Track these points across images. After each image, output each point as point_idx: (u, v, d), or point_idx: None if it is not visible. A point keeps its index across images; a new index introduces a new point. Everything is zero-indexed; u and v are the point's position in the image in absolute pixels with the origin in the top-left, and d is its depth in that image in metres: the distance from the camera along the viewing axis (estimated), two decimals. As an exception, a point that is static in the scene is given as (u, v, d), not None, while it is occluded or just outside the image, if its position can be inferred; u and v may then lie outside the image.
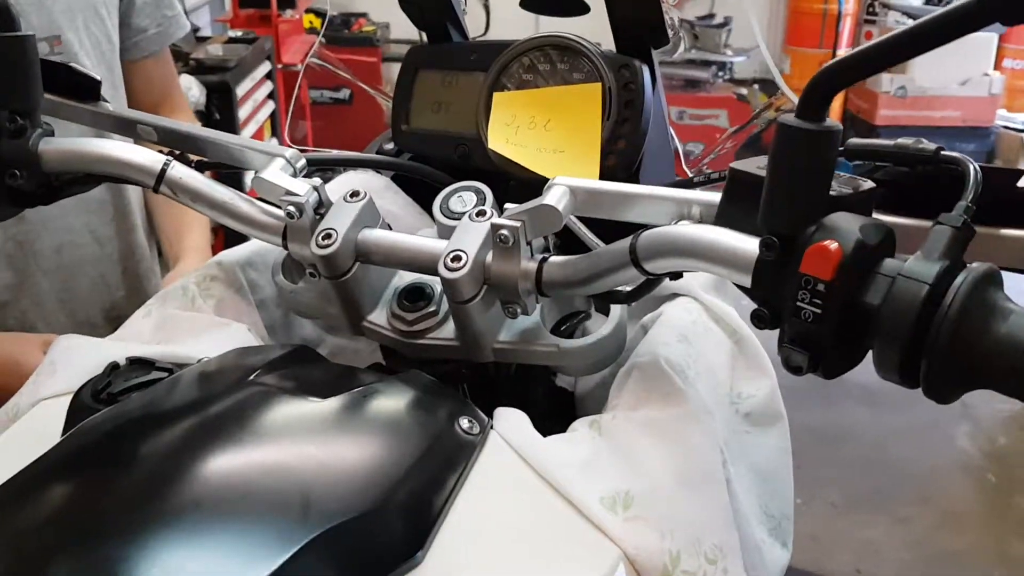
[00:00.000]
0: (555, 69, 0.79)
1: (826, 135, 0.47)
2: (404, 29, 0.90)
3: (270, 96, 3.46)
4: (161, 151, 0.73)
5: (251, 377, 0.58)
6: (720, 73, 4.93)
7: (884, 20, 4.93)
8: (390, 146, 0.88)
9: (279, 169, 0.69)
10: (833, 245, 0.45)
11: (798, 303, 0.46)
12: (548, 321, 0.68)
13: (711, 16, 4.93)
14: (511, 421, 0.59)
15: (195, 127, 0.76)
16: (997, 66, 4.91)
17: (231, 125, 2.95)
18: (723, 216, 0.55)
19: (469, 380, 0.70)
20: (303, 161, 0.70)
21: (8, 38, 0.68)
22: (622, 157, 0.77)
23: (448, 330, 0.67)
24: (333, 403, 0.56)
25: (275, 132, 3.50)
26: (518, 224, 0.60)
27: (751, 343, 0.70)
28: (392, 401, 0.58)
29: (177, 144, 0.75)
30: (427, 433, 0.55)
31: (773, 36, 5.40)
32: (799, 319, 0.46)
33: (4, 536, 0.46)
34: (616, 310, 0.65)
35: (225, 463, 0.50)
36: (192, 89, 2.83)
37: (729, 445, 0.63)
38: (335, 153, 0.77)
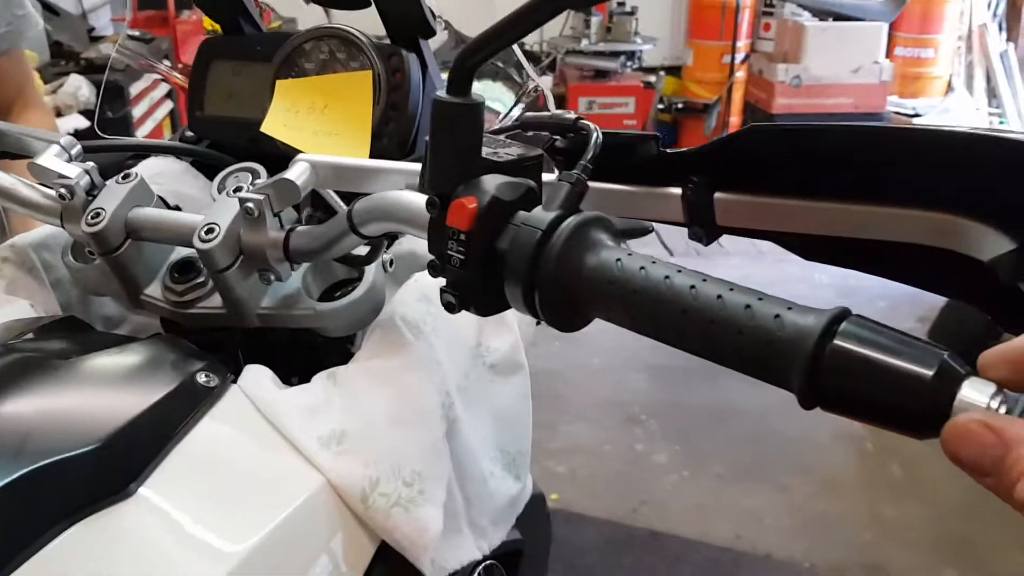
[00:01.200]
0: (334, 58, 0.86)
1: (472, 108, 0.54)
2: (310, 22, 0.95)
3: (168, 96, 3.46)
4: None
5: (8, 344, 0.64)
6: (629, 62, 5.05)
7: (781, 12, 5.09)
8: (192, 133, 0.94)
9: (54, 155, 0.74)
10: (472, 202, 0.52)
11: (448, 251, 0.53)
12: (315, 289, 0.75)
13: (623, 3, 5.05)
14: (253, 375, 0.66)
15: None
16: (889, 54, 5.12)
17: (125, 123, 2.95)
18: (422, 183, 0.62)
19: (245, 345, 0.76)
20: (78, 147, 0.75)
21: None
22: (393, 138, 0.84)
23: (216, 300, 0.73)
24: (73, 362, 0.62)
25: (175, 130, 3.51)
26: (262, 197, 0.67)
27: None
28: (132, 358, 0.64)
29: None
30: (160, 384, 0.61)
31: (676, 29, 5.55)
32: (451, 265, 0.54)
33: None
34: (369, 274, 0.72)
35: None
36: (82, 88, 2.83)
37: (470, 391, 0.70)
38: (113, 140, 0.83)
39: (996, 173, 0.49)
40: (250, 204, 0.67)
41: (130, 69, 3.42)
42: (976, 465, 0.35)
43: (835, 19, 4.88)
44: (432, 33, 0.85)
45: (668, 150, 0.62)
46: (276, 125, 0.82)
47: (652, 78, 5.10)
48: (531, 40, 5.44)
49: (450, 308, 0.55)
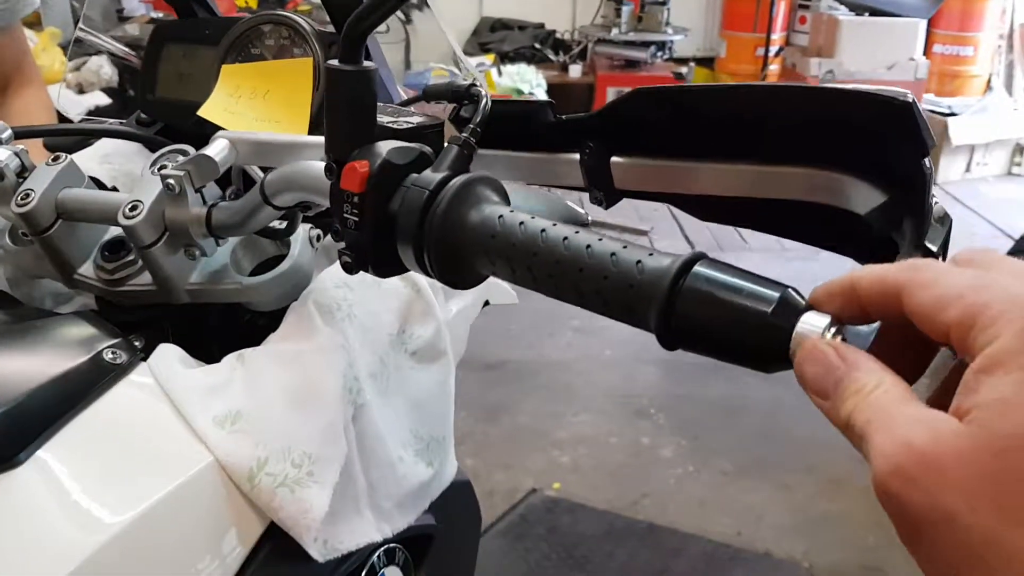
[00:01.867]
0: (279, 45, 0.87)
1: (363, 74, 0.55)
2: None
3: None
4: None
5: None
6: (659, 53, 5.01)
7: (817, 5, 5.02)
8: (144, 116, 0.96)
9: None
10: (363, 165, 0.53)
11: (344, 214, 0.55)
12: (246, 265, 0.76)
13: (655, -6, 5.02)
14: (162, 354, 0.67)
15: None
16: (927, 52, 5.02)
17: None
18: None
19: (177, 323, 0.78)
20: (8, 132, 0.77)
21: None
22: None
23: (146, 277, 0.75)
24: None
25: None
26: (182, 173, 0.68)
27: (424, 291, 0.78)
28: (42, 333, 0.66)
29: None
30: (65, 359, 0.63)
31: (710, 20, 5.49)
32: (346, 228, 0.55)
33: None
34: (294, 248, 0.73)
35: None
36: (104, 68, 2.88)
37: (385, 377, 0.71)
38: (44, 125, 0.84)
39: (863, 128, 0.50)
40: (171, 180, 0.68)
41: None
42: (819, 386, 0.37)
43: (872, 14, 4.79)
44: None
45: (563, 116, 0.63)
46: (216, 110, 0.83)
47: (683, 69, 5.06)
48: (562, 28, 5.42)
49: (348, 269, 0.56)
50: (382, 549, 0.69)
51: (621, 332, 3.24)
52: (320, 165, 0.61)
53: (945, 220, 0.50)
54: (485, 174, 0.54)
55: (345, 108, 0.56)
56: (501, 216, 0.51)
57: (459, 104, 0.61)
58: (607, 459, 2.74)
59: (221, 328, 0.79)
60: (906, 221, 0.50)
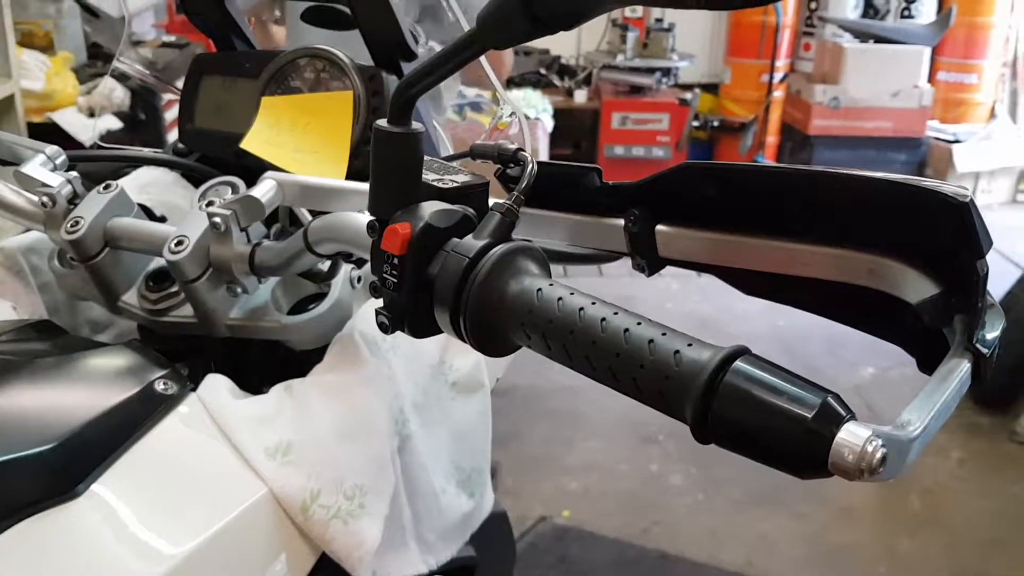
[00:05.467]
0: (318, 78, 0.88)
1: (411, 137, 0.55)
2: None
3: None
4: None
5: None
6: (664, 79, 5.04)
7: (821, 33, 5.06)
8: (182, 145, 0.97)
9: (39, 164, 0.77)
10: (405, 228, 0.54)
11: (384, 274, 0.55)
12: (284, 303, 0.77)
13: (660, 20, 5.05)
14: (212, 384, 0.68)
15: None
16: (932, 79, 5.05)
17: (156, 126, 3.02)
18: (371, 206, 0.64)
19: (218, 354, 0.78)
20: (63, 157, 0.78)
21: None
22: (369, 159, 0.85)
23: (188, 309, 0.75)
24: (38, 364, 0.64)
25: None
26: (229, 212, 0.69)
27: None
28: (94, 364, 0.66)
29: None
30: (118, 390, 0.63)
31: (715, 47, 5.53)
32: (385, 287, 0.55)
33: None
34: (335, 290, 0.74)
35: None
36: (116, 91, 2.90)
37: (428, 408, 0.71)
38: (96, 151, 0.85)
39: (918, 220, 0.49)
40: (217, 219, 0.69)
41: (165, 72, 3.49)
42: None
43: (876, 41, 4.82)
44: (413, 56, 0.87)
45: (610, 183, 0.63)
46: (257, 141, 0.84)
47: (688, 95, 5.09)
48: (568, 53, 5.45)
49: (383, 329, 0.56)
50: None
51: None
52: (363, 219, 0.61)
53: (998, 320, 0.49)
54: (527, 244, 0.54)
55: (390, 169, 0.56)
56: (540, 290, 0.51)
57: (503, 165, 0.61)
58: (617, 486, 2.73)
59: (261, 359, 0.79)
60: (958, 317, 0.49)
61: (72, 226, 0.73)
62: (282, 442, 0.62)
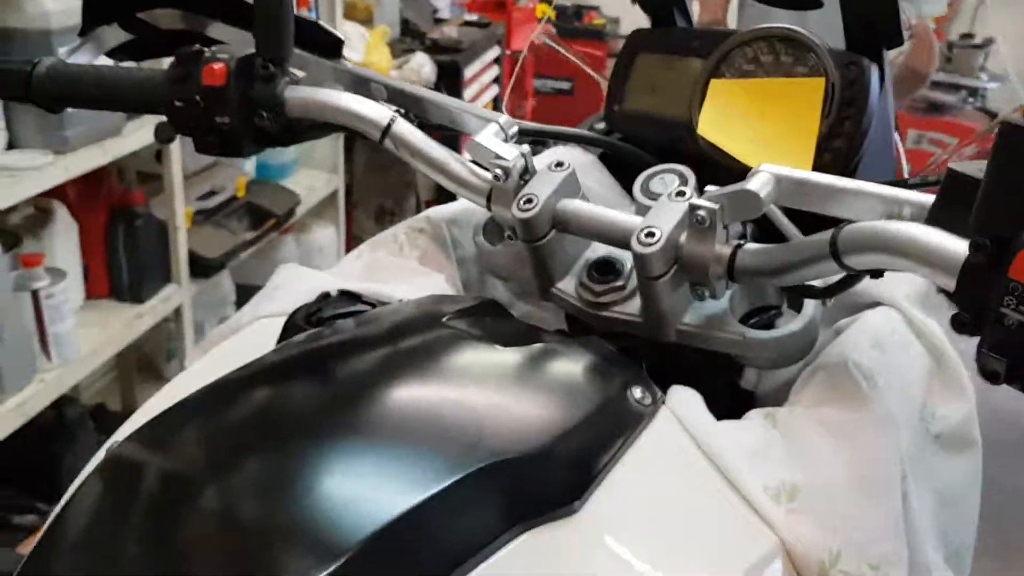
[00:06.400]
0: (778, 61, 0.78)
1: None
2: (634, 24, 0.92)
3: (495, 80, 3.57)
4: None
5: (443, 320, 0.62)
6: (970, 99, 4.58)
7: None
8: (601, 125, 0.90)
9: (492, 134, 0.72)
10: None
11: (1003, 308, 0.44)
12: (737, 311, 0.68)
13: (970, 36, 4.59)
14: (684, 398, 0.60)
15: (421, 89, 0.81)
16: None
17: (456, 104, 3.07)
18: (934, 217, 0.53)
19: (648, 359, 0.71)
20: (515, 128, 0.73)
21: None
22: (837, 156, 0.74)
23: (633, 306, 0.68)
24: (514, 352, 0.58)
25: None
26: (716, 206, 0.60)
27: (952, 363, 0.66)
28: (569, 360, 0.60)
29: (403, 104, 0.80)
30: (598, 394, 0.56)
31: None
32: (1002, 325, 0.44)
33: (205, 426, 0.52)
34: (809, 306, 0.64)
35: (408, 391, 0.54)
36: (425, 67, 2.97)
37: (914, 462, 0.60)
38: (547, 126, 0.80)
39: None
40: (702, 212, 0.60)
41: (469, 51, 3.56)
42: None
43: None
44: (900, 43, 0.75)
45: None
46: (710, 127, 0.76)
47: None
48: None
49: (992, 376, 0.45)
50: None
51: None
52: (931, 232, 0.51)
53: None
54: None
55: (1022, 175, 0.45)
56: None
57: None
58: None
59: (701, 375, 0.71)
60: None
61: (525, 203, 0.67)
62: (784, 482, 0.53)
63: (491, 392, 0.55)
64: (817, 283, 0.63)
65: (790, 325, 0.64)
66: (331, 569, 0.41)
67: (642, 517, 0.51)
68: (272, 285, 0.74)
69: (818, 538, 0.51)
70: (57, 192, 1.84)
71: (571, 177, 0.70)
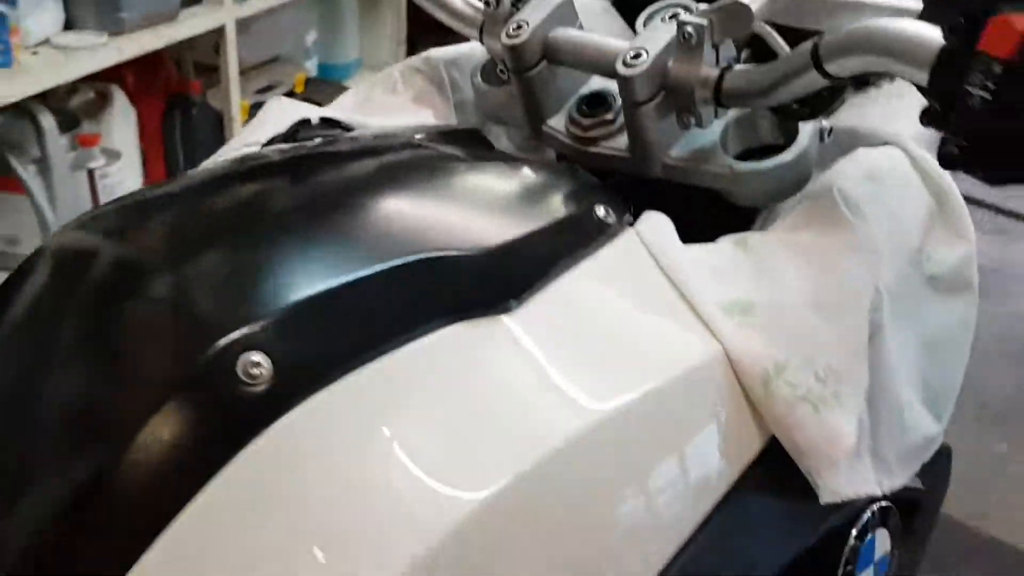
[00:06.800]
0: None
1: None
2: None
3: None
4: None
5: (415, 139, 0.61)
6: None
7: None
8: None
9: None
10: (1020, 20, 0.38)
11: (967, 86, 0.40)
12: (731, 150, 0.65)
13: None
14: (655, 221, 0.58)
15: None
16: None
17: None
18: (923, 17, 0.49)
19: (635, 195, 0.69)
20: None
21: None
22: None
23: (621, 141, 0.66)
24: (479, 165, 0.57)
25: None
26: (704, 21, 0.57)
27: (955, 205, 0.62)
28: (535, 176, 0.58)
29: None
30: (557, 207, 0.55)
31: None
32: (966, 106, 0.40)
33: (143, 214, 0.52)
34: (803, 136, 0.60)
35: (360, 188, 0.54)
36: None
37: (898, 299, 0.57)
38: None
39: None
40: (689, 29, 0.57)
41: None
42: None
43: None
44: None
45: None
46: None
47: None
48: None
49: (948, 163, 0.42)
50: (876, 506, 0.56)
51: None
52: (914, 24, 0.47)
53: None
54: None
55: None
56: None
57: None
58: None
59: (692, 212, 0.68)
60: None
61: (514, 29, 0.65)
62: (741, 300, 0.51)
63: (445, 196, 0.54)
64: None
65: (782, 156, 0.61)
66: (249, 330, 0.41)
67: (579, 322, 0.50)
68: (260, 117, 0.73)
69: (764, 349, 0.49)
70: (115, 77, 1.87)
71: (566, 5, 0.67)
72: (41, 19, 1.66)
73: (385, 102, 0.76)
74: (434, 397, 0.44)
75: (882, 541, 0.58)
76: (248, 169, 0.58)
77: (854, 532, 0.55)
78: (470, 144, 0.65)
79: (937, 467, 0.63)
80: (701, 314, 0.50)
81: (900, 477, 0.56)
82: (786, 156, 0.60)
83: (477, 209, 0.54)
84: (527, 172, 0.58)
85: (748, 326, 0.50)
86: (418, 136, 0.62)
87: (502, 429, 0.44)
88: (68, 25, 1.74)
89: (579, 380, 0.47)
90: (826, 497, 0.50)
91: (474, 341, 0.46)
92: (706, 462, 0.48)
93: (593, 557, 0.44)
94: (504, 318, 0.47)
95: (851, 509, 0.54)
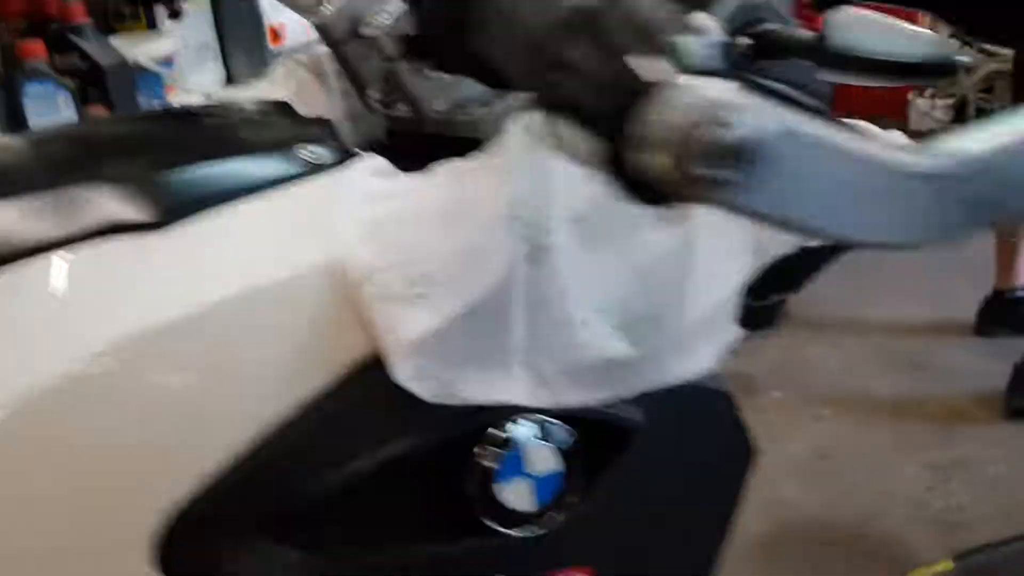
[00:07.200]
0: None
1: None
2: None
3: None
4: None
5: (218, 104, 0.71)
6: None
7: None
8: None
9: None
10: None
11: None
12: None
13: None
14: (364, 162, 0.61)
15: None
16: None
17: None
18: None
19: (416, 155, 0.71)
20: None
21: None
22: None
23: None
24: (215, 116, 0.65)
25: None
26: None
27: None
28: (251, 124, 0.65)
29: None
30: (250, 144, 0.61)
31: None
32: None
33: None
34: None
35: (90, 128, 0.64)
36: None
37: (594, 226, 0.56)
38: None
39: None
40: None
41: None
42: None
43: None
44: None
45: None
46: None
47: None
48: None
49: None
50: (532, 420, 0.56)
51: None
52: None
53: None
54: None
55: None
56: None
57: None
58: None
59: None
60: None
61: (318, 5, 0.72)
62: (375, 217, 0.54)
63: (160, 138, 0.63)
64: None
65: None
66: None
67: (234, 234, 0.55)
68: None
69: (367, 258, 0.52)
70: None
71: None
72: (202, 77, 1.96)
73: (266, 92, 0.85)
74: None
75: (542, 456, 0.56)
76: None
77: (487, 437, 0.55)
78: (267, 109, 0.72)
79: (690, 407, 0.61)
80: (336, 231, 0.54)
81: (572, 395, 0.55)
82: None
83: (157, 143, 0.62)
84: (245, 117, 0.65)
85: (367, 237, 0.53)
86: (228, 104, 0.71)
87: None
88: (229, 81, 2.03)
89: (206, 271, 0.53)
90: (426, 393, 0.51)
91: (121, 254, 0.53)
92: (286, 366, 0.52)
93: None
94: (156, 233, 0.54)
95: (489, 416, 0.55)
